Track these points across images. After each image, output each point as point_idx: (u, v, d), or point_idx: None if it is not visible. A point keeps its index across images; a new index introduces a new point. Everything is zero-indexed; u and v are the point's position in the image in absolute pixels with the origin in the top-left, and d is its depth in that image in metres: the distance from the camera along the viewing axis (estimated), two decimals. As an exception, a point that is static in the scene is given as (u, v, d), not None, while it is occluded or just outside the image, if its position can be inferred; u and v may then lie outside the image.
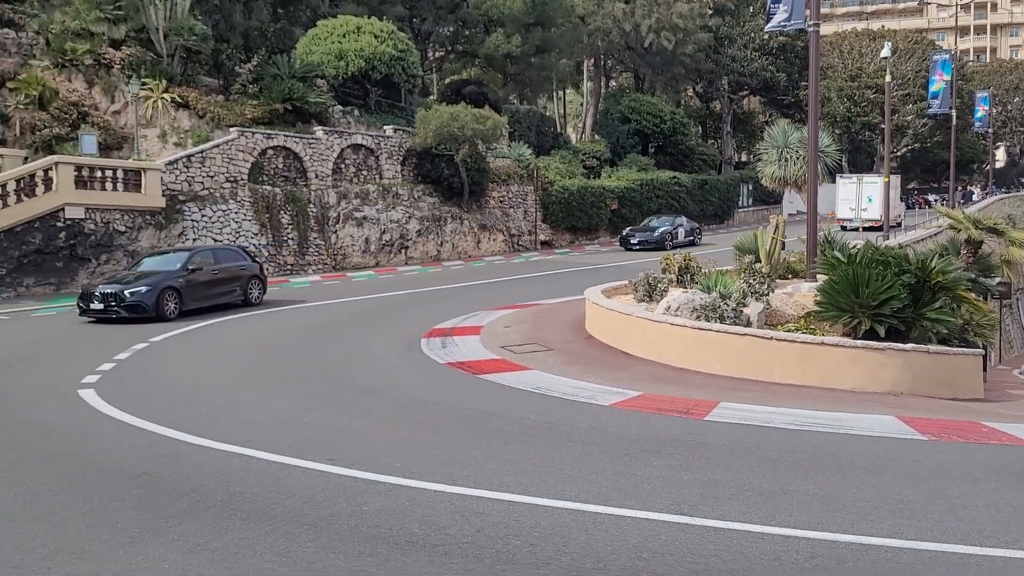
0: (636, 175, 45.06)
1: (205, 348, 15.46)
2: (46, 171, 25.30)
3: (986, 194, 53.95)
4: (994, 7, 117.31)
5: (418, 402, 10.57)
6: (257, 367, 13.29)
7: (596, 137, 50.81)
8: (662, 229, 37.27)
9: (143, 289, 18.66)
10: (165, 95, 31.32)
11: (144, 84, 31.19)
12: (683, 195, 47.00)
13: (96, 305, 18.60)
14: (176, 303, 19.27)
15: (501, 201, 38.18)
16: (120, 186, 26.67)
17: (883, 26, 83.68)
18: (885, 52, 37.14)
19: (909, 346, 11.83)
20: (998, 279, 24.87)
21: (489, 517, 6.28)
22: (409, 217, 34.87)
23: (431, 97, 44.08)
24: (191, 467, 7.83)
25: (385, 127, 36.02)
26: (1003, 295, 27.24)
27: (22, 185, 24.82)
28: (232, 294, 21.18)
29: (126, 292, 18.51)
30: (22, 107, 30.19)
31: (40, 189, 25.06)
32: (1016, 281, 32.64)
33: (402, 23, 42.17)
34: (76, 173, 25.73)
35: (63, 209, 25.24)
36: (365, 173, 34.60)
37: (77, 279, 25.35)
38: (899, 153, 58.44)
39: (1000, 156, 77.63)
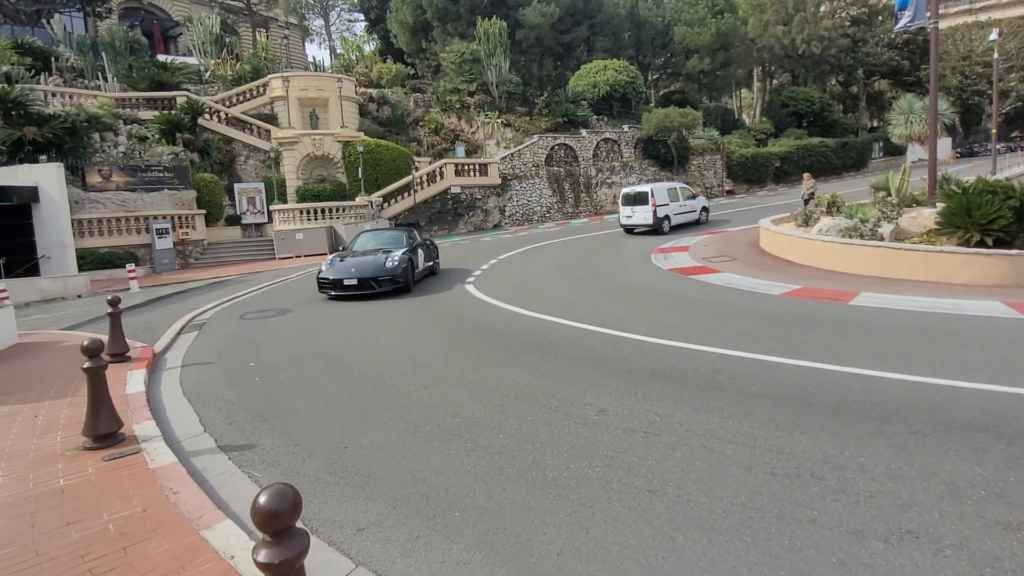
0: (793, 142, 39.85)
1: (528, 262, 15.83)
2: (440, 168, 27.29)
3: None
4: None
5: (650, 292, 10.34)
6: (556, 273, 13.61)
7: (763, 119, 45.36)
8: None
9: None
10: (498, 120, 32.31)
11: (487, 115, 32.39)
12: (828, 153, 40.81)
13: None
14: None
15: (699, 166, 35.49)
16: (477, 173, 28.14)
17: (989, 16, 65.94)
18: (992, 36, 29.36)
19: (1014, 251, 9.55)
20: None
21: (702, 361, 6.05)
22: (640, 180, 33.52)
23: (651, 104, 41.55)
24: (525, 326, 8.22)
25: (623, 126, 34.60)
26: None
27: (429, 176, 27.01)
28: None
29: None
30: (427, 134, 32.63)
31: (438, 178, 27.13)
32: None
33: (631, 59, 39.93)
34: (455, 167, 27.49)
35: (449, 188, 27.17)
36: (612, 155, 33.64)
37: (457, 226, 27.35)
38: (1005, 111, 46.53)
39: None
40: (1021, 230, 10.37)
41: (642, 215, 19.33)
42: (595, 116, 35.03)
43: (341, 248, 13.32)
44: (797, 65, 48.74)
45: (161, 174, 22.05)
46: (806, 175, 21.29)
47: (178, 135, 23.54)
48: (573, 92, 35.15)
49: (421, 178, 26.48)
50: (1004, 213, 10.20)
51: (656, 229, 19.27)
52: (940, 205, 11.56)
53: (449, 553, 3.11)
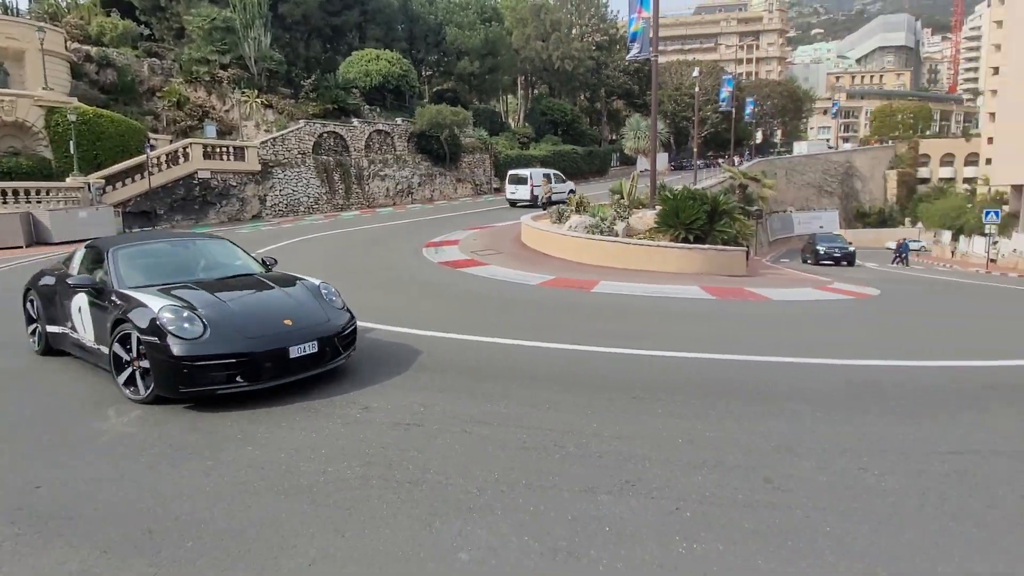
0: (551, 147, 44.39)
1: (295, 256, 14.57)
2: (185, 148, 23.83)
3: (745, 160, 54.60)
4: (756, 47, 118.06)
5: (422, 285, 10.49)
6: (326, 267, 12.94)
7: (526, 124, 49.56)
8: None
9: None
10: (257, 100, 29.44)
11: (244, 93, 29.26)
12: (578, 159, 46.33)
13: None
14: None
15: (469, 164, 37.18)
16: (231, 157, 25.28)
17: (694, 58, 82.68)
18: (695, 73, 36.84)
19: (707, 247, 12.00)
20: (756, 207, 25.48)
21: (467, 349, 6.32)
22: (413, 174, 33.87)
23: (425, 99, 42.20)
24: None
25: (397, 119, 34.48)
26: (758, 216, 28.04)
27: (169, 157, 23.39)
28: None
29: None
30: (167, 108, 28.15)
31: (181, 159, 23.65)
32: (765, 208, 33.50)
33: (405, 53, 40.02)
34: (203, 149, 24.28)
35: (196, 172, 23.90)
36: (385, 148, 33.28)
37: (207, 216, 24.28)
38: (703, 135, 58.38)
39: (759, 137, 77.98)
40: (711, 229, 13.10)
41: (523, 192, 25.75)
42: (368, 106, 34.24)
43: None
44: (553, 79, 54.37)
45: None
46: (543, 180, 24.07)
47: None
48: (344, 78, 33.82)
49: (159, 159, 22.78)
50: (700, 215, 12.76)
51: (533, 204, 24.60)
52: (658, 208, 13.95)
53: (176, 590, 2.68)
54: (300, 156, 28.31)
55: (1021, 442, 4.19)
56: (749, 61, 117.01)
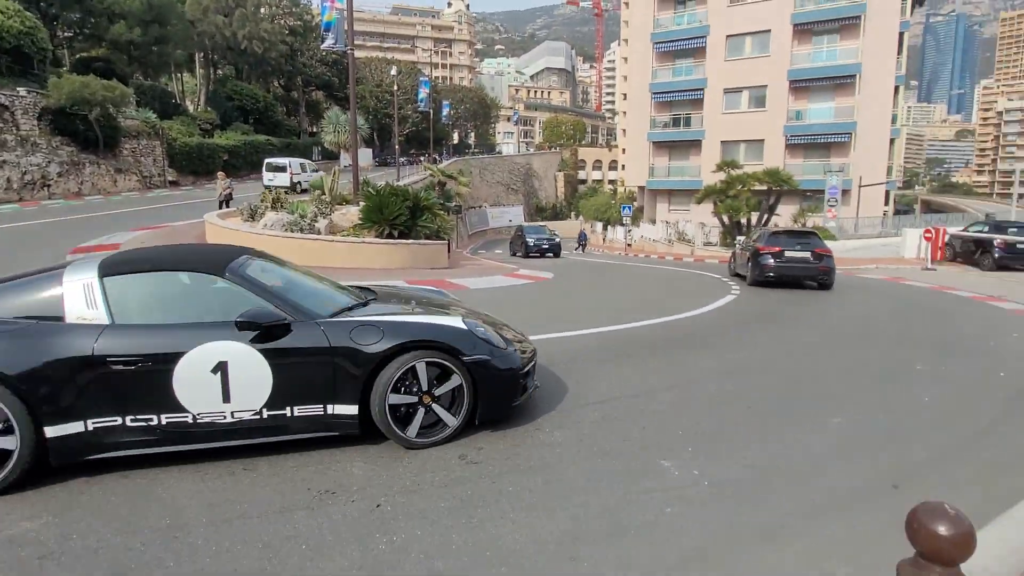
0: (241, 137, 40.07)
1: None
2: None
3: (443, 158, 58.85)
4: (449, 54, 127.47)
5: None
6: None
7: (208, 109, 43.68)
8: None
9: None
10: None
11: None
12: (275, 152, 42.83)
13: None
14: None
15: (134, 151, 31.01)
16: None
17: (393, 56, 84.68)
18: (393, 71, 37.79)
19: (410, 241, 12.44)
20: (454, 203, 27.53)
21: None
22: (49, 161, 26.68)
23: (64, 67, 33.65)
24: None
25: (19, 89, 26.67)
26: (457, 211, 30.38)
27: None
28: None
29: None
30: None
31: None
32: (463, 204, 36.49)
33: (30, 4, 31.20)
34: None
35: None
36: (3, 125, 25.47)
37: None
38: (405, 133, 60.40)
39: (456, 137, 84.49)
40: (415, 224, 13.67)
41: (282, 179, 27.61)
42: (-34, 67, 25.74)
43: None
44: (241, 60, 49.23)
45: None
46: (220, 174, 22.01)
47: None
48: (-80, 25, 24.69)
49: None
50: (403, 211, 13.19)
51: (292, 189, 25.94)
52: (362, 204, 13.91)
53: None
54: None
55: (642, 385, 5.45)
56: (444, 66, 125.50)
